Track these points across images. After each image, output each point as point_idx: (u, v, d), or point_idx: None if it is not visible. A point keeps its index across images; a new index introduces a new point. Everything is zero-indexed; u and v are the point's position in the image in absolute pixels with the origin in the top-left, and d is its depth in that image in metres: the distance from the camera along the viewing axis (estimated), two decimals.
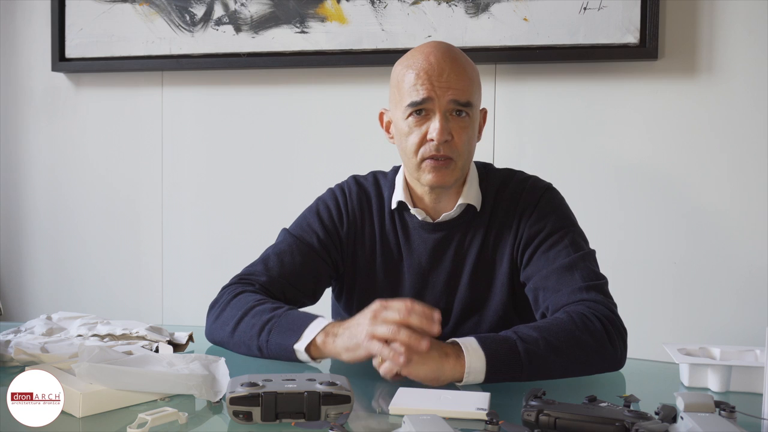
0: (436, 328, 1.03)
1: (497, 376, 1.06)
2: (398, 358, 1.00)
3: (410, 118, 1.27)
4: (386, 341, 1.02)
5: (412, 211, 1.35)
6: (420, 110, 1.26)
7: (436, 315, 1.04)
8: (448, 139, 1.25)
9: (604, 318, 1.15)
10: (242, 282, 1.32)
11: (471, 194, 1.34)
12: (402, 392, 1.00)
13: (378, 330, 1.03)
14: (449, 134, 1.25)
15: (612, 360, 1.15)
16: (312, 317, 1.16)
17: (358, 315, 1.09)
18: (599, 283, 1.23)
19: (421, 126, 1.27)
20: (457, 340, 1.08)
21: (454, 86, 1.24)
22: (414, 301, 1.05)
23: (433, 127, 1.25)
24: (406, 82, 1.27)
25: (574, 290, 1.21)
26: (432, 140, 1.25)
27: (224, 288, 1.33)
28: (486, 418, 0.83)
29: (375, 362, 1.06)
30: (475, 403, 0.95)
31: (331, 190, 1.45)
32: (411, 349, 1.01)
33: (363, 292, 1.39)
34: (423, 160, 1.28)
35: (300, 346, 1.12)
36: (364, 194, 1.41)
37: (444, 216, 1.34)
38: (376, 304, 1.08)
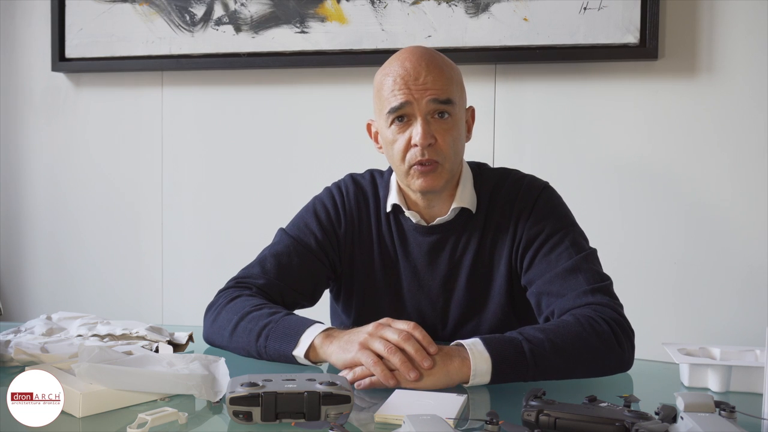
0: (427, 363, 1.02)
1: (503, 377, 1.06)
2: (389, 381, 1.01)
3: (393, 126, 1.27)
4: (379, 356, 1.03)
5: (407, 213, 1.34)
6: (401, 116, 1.25)
7: (432, 349, 1.04)
8: (432, 142, 1.24)
9: (611, 320, 1.15)
10: (239, 285, 1.31)
11: (465, 197, 1.33)
12: (393, 398, 0.98)
13: (374, 345, 1.04)
14: (432, 137, 1.24)
15: (619, 361, 1.15)
16: (309, 323, 1.15)
17: (364, 326, 1.10)
18: (604, 285, 1.23)
19: (405, 132, 1.26)
20: (462, 342, 1.07)
21: (432, 87, 1.23)
22: (417, 327, 1.06)
23: (416, 131, 1.24)
24: (384, 89, 1.26)
25: (579, 294, 1.20)
26: (416, 145, 1.25)
27: (220, 292, 1.32)
28: (486, 418, 0.83)
29: (347, 374, 1.04)
30: (447, 411, 0.92)
31: (328, 189, 1.43)
32: (402, 373, 1.02)
33: (362, 294, 1.38)
34: (410, 166, 1.27)
35: (299, 352, 1.11)
36: (361, 193, 1.40)
37: (438, 220, 1.33)
38: (383, 320, 1.09)
